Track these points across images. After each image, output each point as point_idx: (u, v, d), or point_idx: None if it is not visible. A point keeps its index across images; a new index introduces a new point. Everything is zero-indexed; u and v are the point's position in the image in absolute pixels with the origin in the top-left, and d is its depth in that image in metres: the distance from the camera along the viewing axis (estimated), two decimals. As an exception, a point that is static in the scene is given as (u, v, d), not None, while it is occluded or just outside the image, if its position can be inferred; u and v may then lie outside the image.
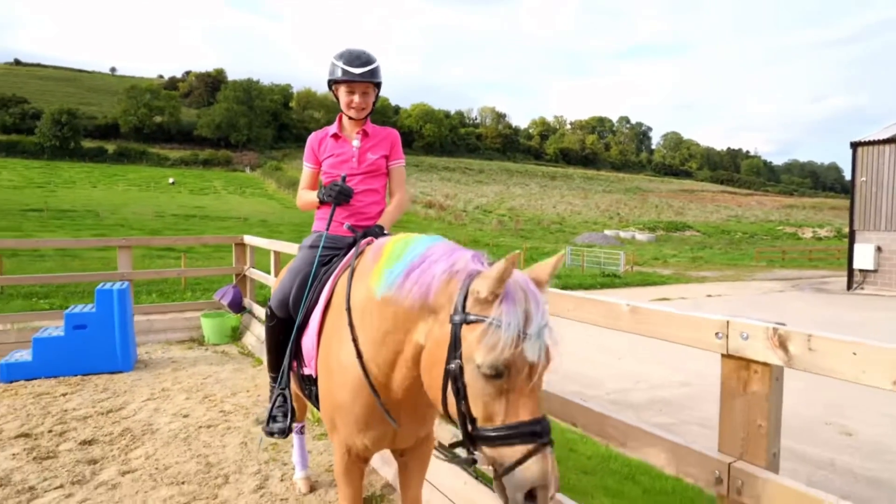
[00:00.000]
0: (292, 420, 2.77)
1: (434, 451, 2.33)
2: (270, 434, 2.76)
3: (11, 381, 5.80)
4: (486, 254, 1.77)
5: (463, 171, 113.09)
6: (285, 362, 2.65)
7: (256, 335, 7.32)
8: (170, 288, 16.39)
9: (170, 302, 11.96)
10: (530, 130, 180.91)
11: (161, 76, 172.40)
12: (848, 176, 26.61)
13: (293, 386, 2.97)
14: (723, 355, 1.86)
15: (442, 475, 3.37)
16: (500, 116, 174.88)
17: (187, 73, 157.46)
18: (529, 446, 1.47)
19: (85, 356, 6.09)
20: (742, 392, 1.82)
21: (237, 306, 7.23)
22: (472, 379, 1.52)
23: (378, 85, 2.89)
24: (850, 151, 25.66)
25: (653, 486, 4.63)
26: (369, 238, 2.52)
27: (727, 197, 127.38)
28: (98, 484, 3.70)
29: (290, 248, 6.00)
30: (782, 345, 1.68)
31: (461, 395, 1.53)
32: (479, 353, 1.49)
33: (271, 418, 2.77)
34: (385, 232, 2.77)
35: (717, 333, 1.86)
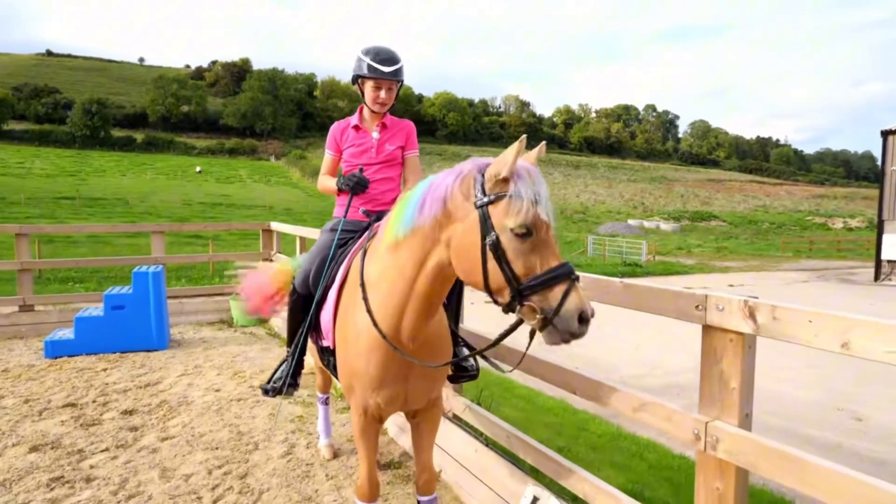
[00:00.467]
0: (290, 391, 3.03)
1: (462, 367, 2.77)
2: (264, 392, 3.04)
3: (56, 357, 6.19)
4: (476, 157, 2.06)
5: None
6: (300, 332, 2.91)
7: (282, 317, 7.62)
8: (198, 274, 16.90)
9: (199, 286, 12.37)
10: (554, 119, 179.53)
11: (188, 66, 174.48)
12: (883, 165, 26.10)
13: (316, 359, 3.23)
14: (703, 326, 2.06)
15: (454, 444, 3.62)
16: (524, 105, 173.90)
17: (213, 62, 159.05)
18: (565, 285, 1.78)
19: (123, 335, 6.46)
20: (719, 359, 2.02)
21: (264, 290, 7.54)
22: (508, 242, 1.82)
23: (401, 83, 3.11)
24: (884, 140, 25.20)
25: (659, 462, 4.83)
26: (379, 223, 2.75)
27: (755, 187, 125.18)
28: (140, 448, 4.03)
29: (315, 233, 6.27)
30: (752, 315, 1.88)
31: (504, 259, 1.82)
32: (509, 219, 1.81)
33: (271, 379, 3.04)
34: None
35: (697, 306, 2.06)
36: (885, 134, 25.17)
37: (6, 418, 4.51)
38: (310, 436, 4.26)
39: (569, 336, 1.81)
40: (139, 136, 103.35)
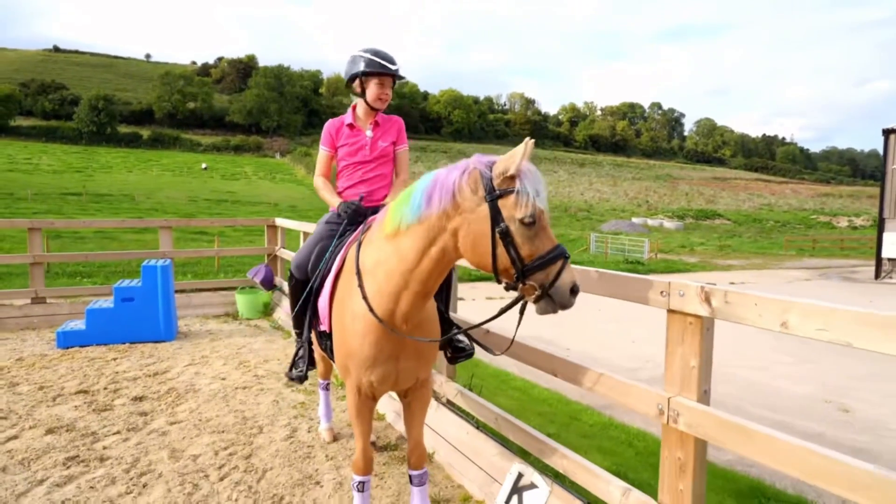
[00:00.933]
0: (309, 369, 3.25)
1: (462, 343, 3.05)
2: (291, 379, 3.27)
3: (67, 348, 6.42)
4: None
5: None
6: (307, 319, 3.13)
7: (286, 311, 7.86)
8: (203, 269, 17.15)
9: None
10: (560, 117, 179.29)
11: (194, 62, 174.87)
12: (889, 164, 26.14)
13: (315, 344, 3.44)
14: (667, 310, 2.26)
15: (447, 427, 3.82)
16: (529, 102, 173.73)
17: (219, 59, 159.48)
18: (560, 263, 2.08)
19: (132, 326, 6.68)
20: (681, 340, 2.21)
21: (269, 284, 7.73)
22: (517, 231, 2.08)
23: (397, 80, 3.29)
24: (888, 138, 25.24)
25: (647, 449, 5.02)
26: (373, 217, 2.95)
27: (761, 185, 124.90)
28: (150, 431, 4.24)
29: (318, 228, 6.48)
30: (707, 300, 2.07)
31: (512, 244, 2.08)
32: (518, 211, 2.07)
33: (293, 365, 3.26)
34: None
35: (661, 292, 2.25)
36: (887, 132, 25.22)
37: (22, 403, 4.73)
38: (311, 420, 4.47)
39: (560, 306, 2.09)
40: (145, 133, 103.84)
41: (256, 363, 6.04)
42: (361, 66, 3.17)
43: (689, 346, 2.18)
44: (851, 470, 1.65)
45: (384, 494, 3.35)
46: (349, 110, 3.42)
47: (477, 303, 15.63)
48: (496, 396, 5.43)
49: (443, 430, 3.82)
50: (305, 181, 77.48)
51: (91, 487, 3.38)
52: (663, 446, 2.31)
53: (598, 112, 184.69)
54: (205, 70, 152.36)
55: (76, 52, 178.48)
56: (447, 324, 3.00)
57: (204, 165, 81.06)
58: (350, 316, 2.57)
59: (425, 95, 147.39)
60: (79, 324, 6.72)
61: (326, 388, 4.19)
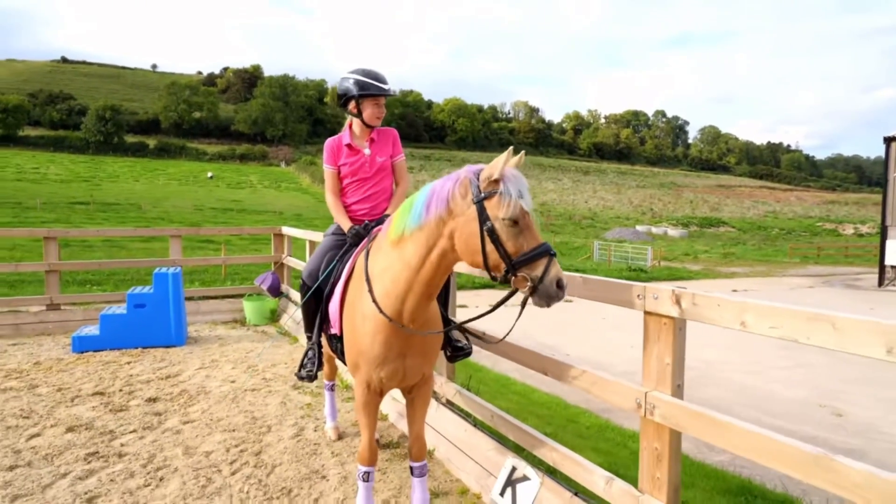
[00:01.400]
0: (318, 370, 3.47)
1: (459, 338, 3.31)
2: (300, 378, 3.50)
3: (82, 352, 6.65)
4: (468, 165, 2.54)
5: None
6: (317, 324, 3.36)
7: (293, 317, 8.08)
8: (211, 277, 17.41)
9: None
10: (564, 125, 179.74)
11: (200, 72, 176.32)
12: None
13: (326, 347, 3.66)
14: (644, 312, 2.47)
15: (446, 426, 4.03)
16: (533, 111, 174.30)
17: (225, 69, 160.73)
18: (546, 260, 2.28)
19: (144, 331, 6.92)
20: (657, 339, 2.42)
21: (275, 291, 7.97)
22: (501, 229, 2.30)
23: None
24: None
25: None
26: (378, 228, 3.18)
27: (765, 192, 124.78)
28: (164, 430, 4.46)
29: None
30: (678, 302, 2.28)
31: (499, 242, 2.30)
32: (501, 210, 2.29)
33: (302, 366, 3.49)
34: None
35: (638, 296, 2.47)
36: (888, 140, 25.38)
37: (42, 404, 4.96)
38: (317, 420, 4.68)
39: (548, 299, 2.29)
40: (152, 142, 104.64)
41: (264, 367, 6.25)
42: (356, 89, 3.39)
43: (664, 344, 2.39)
44: (796, 451, 1.86)
45: (386, 487, 3.55)
46: (346, 129, 3.62)
47: (480, 310, 15.79)
48: (497, 399, 5.62)
49: (442, 428, 4.03)
50: (310, 190, 77.93)
51: (111, 480, 3.60)
52: (642, 437, 2.52)
53: (602, 120, 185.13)
54: (210, 80, 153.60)
55: (84, 62, 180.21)
56: (448, 324, 3.22)
57: (210, 174, 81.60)
58: (360, 317, 2.80)
59: (429, 104, 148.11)
60: (93, 329, 6.95)
61: (332, 389, 4.40)
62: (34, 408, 4.86)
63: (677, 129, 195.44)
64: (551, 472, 3.18)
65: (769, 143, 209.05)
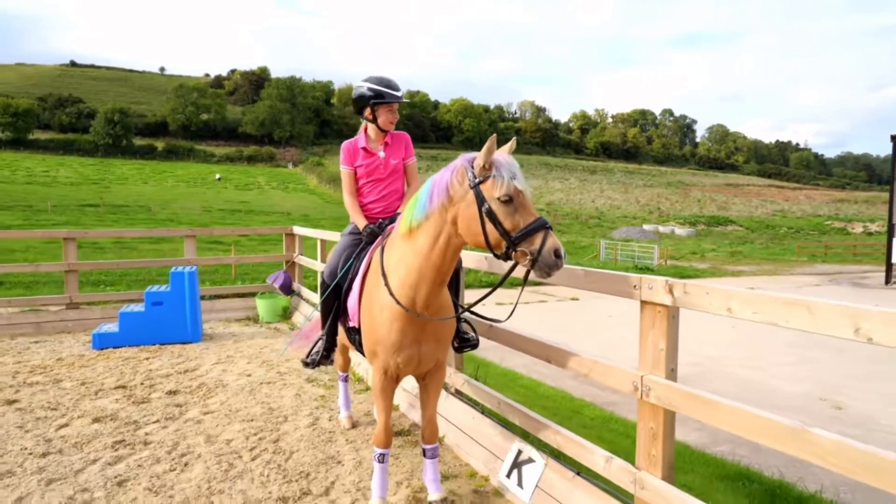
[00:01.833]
0: (324, 360, 3.73)
1: (467, 323, 3.54)
2: (305, 364, 3.78)
3: (102, 349, 6.88)
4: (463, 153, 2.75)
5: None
6: (331, 316, 3.58)
7: (304, 314, 8.29)
8: (221, 278, 17.67)
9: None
10: (570, 124, 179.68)
11: (207, 75, 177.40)
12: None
13: (342, 338, 3.86)
14: (640, 301, 2.64)
15: (456, 414, 4.22)
16: (539, 110, 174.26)
17: (232, 71, 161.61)
18: (542, 233, 2.46)
19: (162, 328, 7.14)
20: (652, 326, 2.60)
21: (287, 289, 8.20)
22: (497, 208, 2.50)
23: None
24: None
25: (643, 439, 5.36)
26: (392, 225, 3.38)
27: (774, 191, 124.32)
28: (186, 420, 4.67)
29: (334, 236, 6.90)
30: (671, 291, 2.46)
31: (497, 221, 2.50)
32: (496, 191, 2.50)
33: (309, 353, 3.72)
34: None
35: (634, 286, 2.64)
36: (895, 138, 25.35)
37: (68, 397, 5.18)
38: (331, 411, 4.87)
39: (548, 269, 2.47)
40: (160, 145, 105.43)
41: (278, 362, 6.46)
42: (371, 96, 3.60)
43: (659, 331, 2.56)
44: (776, 424, 2.03)
45: (399, 471, 3.74)
46: (361, 133, 3.82)
47: (487, 307, 15.97)
48: (504, 392, 5.79)
49: (452, 416, 4.21)
50: (317, 190, 78.33)
51: (139, 465, 3.81)
52: (639, 418, 2.70)
53: (609, 119, 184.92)
54: (218, 82, 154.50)
55: (92, 66, 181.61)
56: (456, 308, 3.42)
57: (218, 176, 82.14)
58: (378, 308, 3.00)
59: (436, 104, 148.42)
60: (112, 326, 7.18)
61: (346, 380, 4.60)
62: (60, 400, 5.08)
63: (685, 127, 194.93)
64: (555, 455, 3.36)
65: (778, 141, 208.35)
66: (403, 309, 2.89)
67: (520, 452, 3.44)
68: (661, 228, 64.62)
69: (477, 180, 2.56)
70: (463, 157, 2.69)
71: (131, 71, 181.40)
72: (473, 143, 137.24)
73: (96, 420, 4.62)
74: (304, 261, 8.94)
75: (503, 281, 2.78)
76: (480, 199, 2.53)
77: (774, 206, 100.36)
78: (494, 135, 2.58)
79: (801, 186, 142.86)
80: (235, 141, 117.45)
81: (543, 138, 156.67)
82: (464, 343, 3.51)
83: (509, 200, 2.49)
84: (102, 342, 6.94)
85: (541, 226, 2.47)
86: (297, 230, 9.16)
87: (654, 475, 2.60)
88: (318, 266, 7.65)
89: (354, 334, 3.43)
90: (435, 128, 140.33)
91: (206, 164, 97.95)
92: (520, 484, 3.32)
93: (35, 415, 4.72)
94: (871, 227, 75.03)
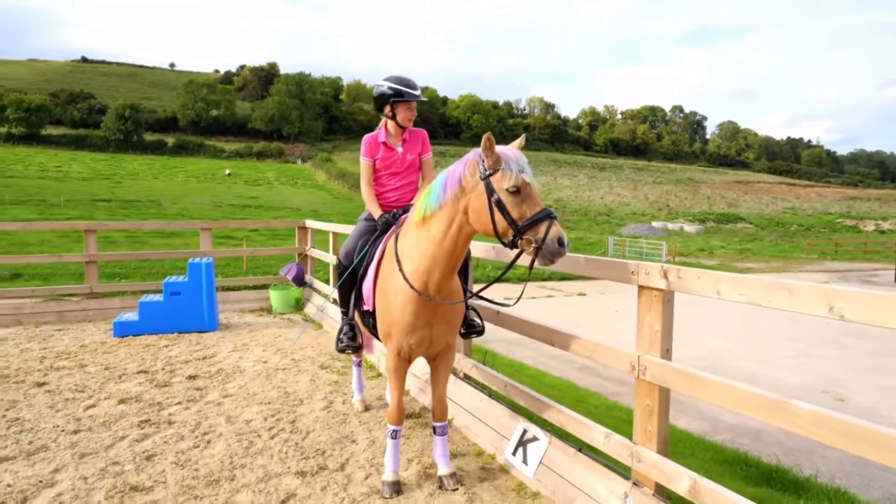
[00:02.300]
0: (355, 343, 3.88)
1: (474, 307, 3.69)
2: (342, 351, 3.91)
3: (123, 336, 7.13)
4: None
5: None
6: (351, 302, 3.78)
7: (317, 305, 8.51)
8: (234, 271, 17.98)
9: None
10: (579, 121, 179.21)
11: (217, 70, 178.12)
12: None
13: (359, 322, 4.06)
14: (638, 286, 2.82)
15: (464, 397, 4.41)
16: (548, 107, 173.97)
17: (242, 67, 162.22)
18: (547, 222, 2.64)
19: (179, 317, 7.38)
20: (648, 309, 2.78)
21: (300, 281, 8.43)
22: (506, 198, 2.69)
23: None
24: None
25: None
26: (405, 215, 3.58)
27: (785, 188, 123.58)
28: (206, 402, 4.89)
29: (346, 229, 7.10)
30: (665, 276, 2.64)
31: (505, 210, 2.69)
32: (504, 182, 2.69)
33: (339, 340, 3.90)
34: None
35: (632, 272, 2.82)
36: (906, 135, 25.31)
37: (93, 380, 5.42)
38: (345, 395, 5.08)
39: (552, 256, 2.66)
40: (170, 140, 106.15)
41: (292, 350, 6.68)
42: (391, 95, 3.80)
43: (654, 313, 2.74)
44: (760, 397, 2.21)
45: (410, 449, 3.95)
46: (381, 128, 4.03)
47: (494, 298, 16.16)
48: (509, 380, 5.99)
49: (460, 399, 4.41)
50: (326, 186, 78.69)
51: (164, 442, 4.03)
52: (636, 396, 2.88)
53: (619, 116, 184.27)
54: (227, 78, 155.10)
55: (103, 62, 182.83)
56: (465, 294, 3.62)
57: (228, 171, 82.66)
58: (393, 292, 3.20)
59: (444, 101, 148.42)
60: (132, 315, 7.42)
61: (359, 364, 4.81)
62: (87, 383, 5.32)
63: (695, 124, 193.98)
64: (558, 433, 3.55)
65: (789, 138, 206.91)
66: (416, 293, 3.08)
67: (525, 431, 3.63)
68: (670, 225, 64.54)
69: (487, 172, 2.75)
70: (475, 152, 2.88)
71: (142, 67, 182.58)
72: (481, 140, 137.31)
73: (122, 401, 4.85)
74: (316, 253, 9.15)
75: (510, 266, 2.98)
76: (490, 190, 2.73)
77: (785, 204, 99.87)
78: (489, 132, 2.78)
79: (812, 184, 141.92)
80: (245, 137, 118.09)
81: (552, 135, 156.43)
82: (470, 329, 3.70)
83: (517, 192, 2.68)
84: (123, 330, 7.19)
85: (546, 215, 2.65)
86: (310, 223, 9.38)
87: (650, 449, 2.79)
88: (331, 258, 7.86)
89: (369, 317, 3.64)
90: (443, 124, 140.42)
91: (216, 160, 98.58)
92: (525, 461, 3.51)
93: (64, 396, 4.96)
94: (883, 226, 74.60)
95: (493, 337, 9.02)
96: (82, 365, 5.92)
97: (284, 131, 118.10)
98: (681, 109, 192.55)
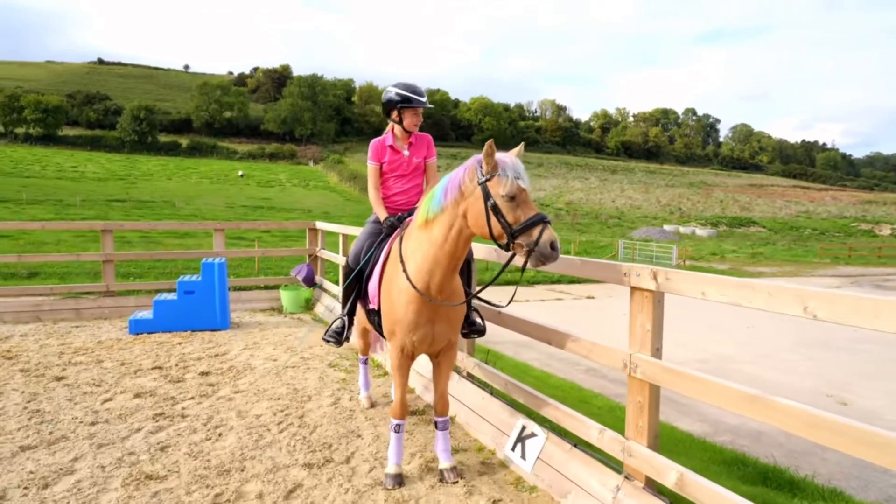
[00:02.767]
0: (343, 338, 4.07)
1: (478, 306, 3.87)
2: (325, 341, 4.12)
3: (138, 334, 7.33)
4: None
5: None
6: (352, 299, 3.94)
7: (326, 306, 8.68)
8: (245, 271, 18.25)
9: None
10: (591, 123, 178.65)
11: (230, 72, 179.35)
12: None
13: (364, 322, 4.22)
14: (630, 287, 2.95)
15: (467, 395, 4.55)
16: (560, 109, 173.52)
17: (255, 69, 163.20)
18: (540, 226, 2.79)
19: (193, 316, 7.57)
20: (640, 310, 2.90)
21: (310, 281, 8.55)
22: (502, 203, 2.83)
23: None
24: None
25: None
26: (410, 218, 3.72)
27: (799, 192, 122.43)
28: (218, 397, 5.06)
29: (356, 231, 7.26)
30: (655, 278, 2.76)
31: (500, 215, 2.83)
32: (501, 188, 2.84)
33: (326, 331, 4.12)
34: None
35: (625, 274, 2.95)
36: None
37: (110, 375, 5.61)
38: (351, 393, 5.24)
39: (544, 258, 2.80)
40: (184, 141, 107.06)
41: (302, 348, 6.84)
42: (399, 101, 3.94)
43: (645, 314, 2.87)
44: (740, 392, 2.34)
45: (413, 445, 4.09)
46: (388, 132, 4.17)
47: (499, 299, 16.27)
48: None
49: (463, 397, 4.55)
50: (338, 188, 79.08)
51: (178, 434, 4.20)
52: (628, 393, 3.00)
53: (631, 118, 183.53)
54: (241, 80, 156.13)
55: (119, 63, 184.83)
56: (466, 295, 3.75)
57: (240, 173, 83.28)
58: (396, 291, 3.36)
59: (456, 103, 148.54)
60: (146, 313, 7.62)
61: (366, 363, 4.96)
62: (103, 378, 5.51)
63: (708, 127, 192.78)
64: (555, 429, 3.68)
65: (804, 141, 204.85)
66: (419, 293, 3.22)
67: (523, 427, 3.76)
68: (682, 229, 64.26)
69: (484, 178, 2.89)
70: (474, 158, 3.02)
71: (157, 69, 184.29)
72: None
73: (137, 396, 5.04)
74: (326, 254, 9.32)
75: (504, 269, 3.11)
76: (487, 195, 2.87)
77: (799, 208, 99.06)
78: (491, 139, 2.95)
79: (827, 187, 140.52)
80: (257, 138, 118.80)
81: (564, 137, 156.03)
82: (472, 329, 3.84)
83: (512, 197, 2.81)
84: (138, 328, 7.38)
85: (539, 220, 2.79)
86: (320, 225, 9.55)
87: (640, 444, 2.91)
88: (340, 260, 8.03)
89: (374, 316, 3.79)
90: (455, 126, 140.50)
91: (229, 161, 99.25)
92: (523, 456, 3.64)
93: (81, 390, 5.15)
94: (898, 230, 73.73)
95: (501, 339, 9.17)
96: (99, 360, 6.12)
97: (297, 133, 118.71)
98: (694, 112, 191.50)
